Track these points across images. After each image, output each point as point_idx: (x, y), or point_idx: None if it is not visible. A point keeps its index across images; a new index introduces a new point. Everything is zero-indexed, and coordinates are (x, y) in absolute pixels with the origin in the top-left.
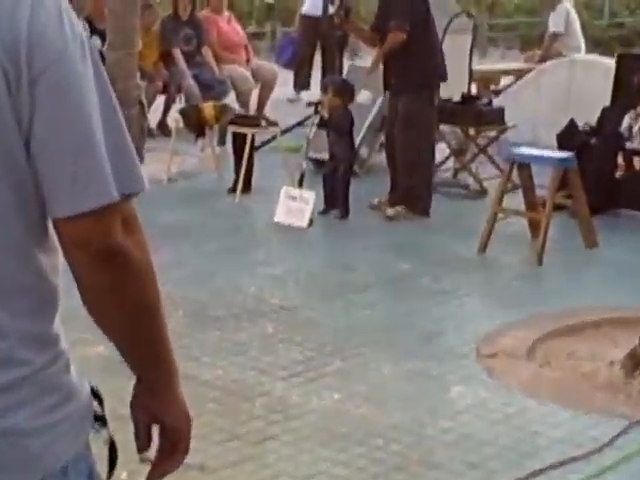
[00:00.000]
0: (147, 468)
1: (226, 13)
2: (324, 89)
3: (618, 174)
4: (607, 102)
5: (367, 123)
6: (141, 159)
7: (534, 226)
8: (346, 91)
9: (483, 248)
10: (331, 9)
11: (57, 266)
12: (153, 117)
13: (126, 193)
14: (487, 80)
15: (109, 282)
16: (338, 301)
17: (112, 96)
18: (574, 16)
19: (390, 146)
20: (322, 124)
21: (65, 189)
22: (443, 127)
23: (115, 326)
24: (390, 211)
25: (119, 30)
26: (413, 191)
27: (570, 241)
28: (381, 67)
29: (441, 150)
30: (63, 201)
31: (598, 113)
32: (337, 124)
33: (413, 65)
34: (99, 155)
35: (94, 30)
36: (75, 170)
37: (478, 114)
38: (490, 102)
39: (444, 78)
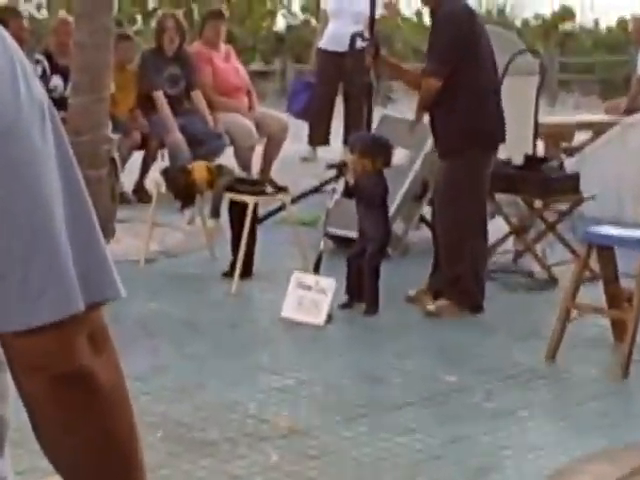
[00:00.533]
0: None
1: (223, 47)
2: (352, 147)
3: None
4: None
5: (403, 190)
6: (111, 233)
7: (618, 327)
8: (379, 151)
9: (552, 355)
10: (359, 43)
11: (4, 392)
12: (128, 179)
13: (94, 302)
14: (558, 136)
15: (71, 414)
16: (364, 424)
17: (78, 177)
18: None
19: (436, 221)
20: (347, 192)
21: (14, 295)
22: (501, 198)
23: (75, 468)
24: (431, 306)
25: (87, 68)
26: (459, 282)
27: None
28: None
29: (498, 227)
30: (12, 311)
31: None
32: (366, 193)
33: (456, 120)
34: (59, 252)
35: (55, 67)
36: (27, 271)
37: (546, 181)
38: (561, 165)
39: (501, 138)
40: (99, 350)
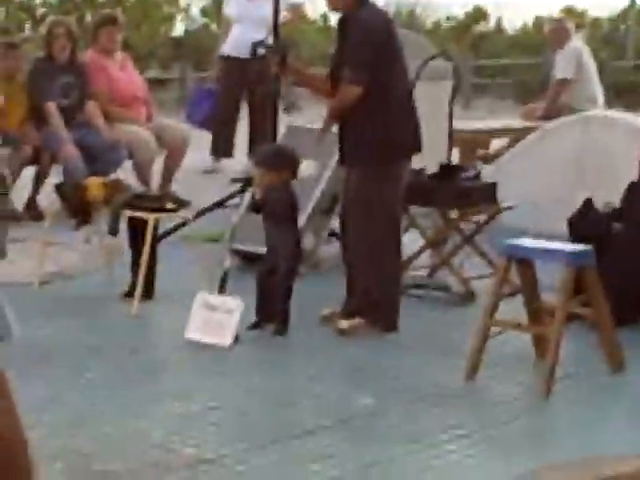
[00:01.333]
0: None
1: (119, 55)
2: (257, 161)
3: None
4: (636, 174)
5: (312, 203)
6: (2, 254)
7: (540, 343)
8: (286, 164)
9: (472, 374)
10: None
11: None
12: (19, 196)
13: None
14: (473, 143)
15: None
16: (275, 451)
17: None
18: (588, 57)
19: (345, 236)
20: (253, 207)
21: None
22: (415, 209)
23: None
24: (345, 323)
25: None
26: (372, 297)
27: (588, 362)
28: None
29: (413, 240)
30: None
31: (623, 190)
32: (274, 207)
33: (371, 128)
34: None
35: None
36: None
37: (461, 191)
38: (478, 175)
39: (416, 147)
40: None
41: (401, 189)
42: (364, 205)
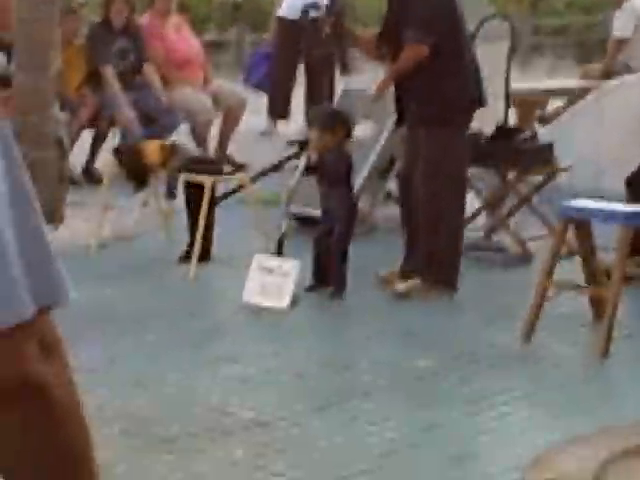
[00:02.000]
0: None
1: (175, 18)
2: (311, 122)
3: None
4: None
5: (369, 165)
6: (61, 218)
7: (597, 305)
8: (340, 125)
9: (529, 335)
10: (312, 13)
11: None
12: (78, 160)
13: (43, 306)
14: (531, 104)
15: (17, 426)
16: (333, 413)
17: (25, 183)
18: None
19: (405, 197)
20: (309, 169)
21: None
22: (471, 170)
23: (22, 473)
24: (401, 286)
25: (31, 44)
26: (435, 257)
27: None
28: (390, 90)
29: (470, 201)
30: None
31: None
32: (329, 169)
33: (438, 87)
34: (6, 257)
35: None
36: None
37: (519, 152)
38: (535, 135)
39: (481, 103)
40: (51, 358)
41: (466, 149)
42: (432, 164)
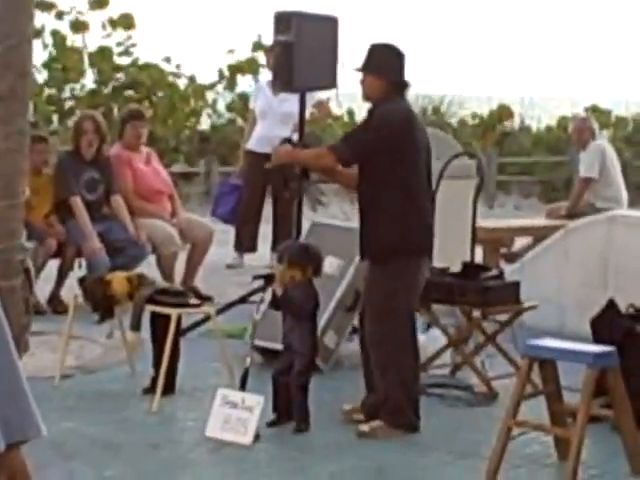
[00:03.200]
0: None
1: (144, 150)
2: (280, 257)
3: None
4: None
5: (335, 300)
6: (25, 347)
7: (562, 445)
8: (309, 260)
9: (492, 475)
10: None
11: None
12: (43, 289)
13: (14, 442)
14: (497, 242)
15: None
16: None
17: (1, 319)
18: (612, 156)
19: (363, 335)
20: (275, 303)
21: None
22: (438, 308)
23: None
24: (364, 426)
25: (0, 173)
26: (391, 401)
27: (611, 464)
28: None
29: (435, 339)
30: None
31: None
32: (295, 305)
33: (383, 227)
34: None
35: None
36: None
37: (484, 291)
38: (501, 274)
39: (426, 249)
40: None
41: (417, 289)
42: (376, 305)
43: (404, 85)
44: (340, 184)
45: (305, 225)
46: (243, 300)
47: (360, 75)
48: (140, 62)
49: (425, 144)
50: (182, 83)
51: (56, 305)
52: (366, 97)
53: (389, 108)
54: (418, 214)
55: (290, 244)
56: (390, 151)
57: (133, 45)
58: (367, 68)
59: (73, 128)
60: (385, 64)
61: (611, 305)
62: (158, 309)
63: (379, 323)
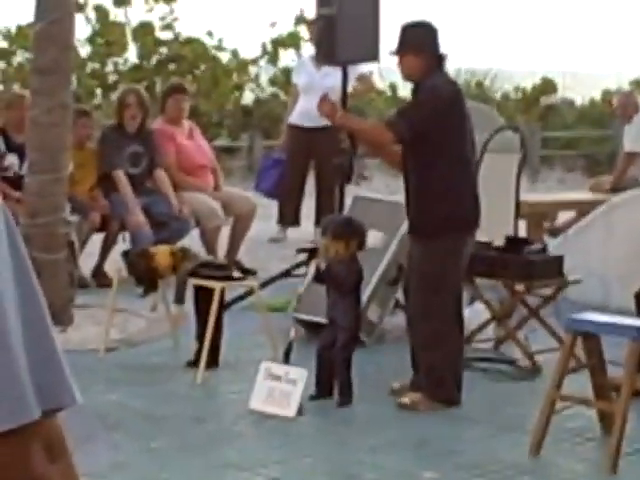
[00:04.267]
0: None
1: (187, 123)
2: (324, 230)
3: None
4: None
5: (378, 274)
6: (69, 320)
7: (606, 419)
8: (353, 234)
9: (537, 449)
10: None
11: None
12: (87, 263)
13: (50, 409)
14: (540, 216)
15: None
16: None
17: (35, 285)
18: None
19: (409, 307)
20: (318, 277)
21: None
22: (481, 282)
23: None
24: (405, 398)
25: (43, 147)
26: (434, 374)
27: None
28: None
29: (478, 313)
30: None
31: None
32: (338, 279)
33: (434, 201)
34: (14, 362)
35: (10, 145)
36: None
37: (528, 265)
38: (544, 248)
39: (475, 223)
40: (55, 458)
41: (463, 264)
42: (425, 279)
43: (442, 59)
44: (384, 160)
45: (348, 199)
46: (286, 274)
47: (397, 58)
48: (182, 36)
49: (469, 118)
50: (225, 57)
51: (100, 278)
52: (407, 77)
53: (437, 83)
54: (469, 188)
55: (334, 218)
56: (444, 125)
57: (175, 19)
58: (404, 48)
59: (116, 102)
60: (421, 41)
61: None
62: (202, 282)
63: (429, 297)
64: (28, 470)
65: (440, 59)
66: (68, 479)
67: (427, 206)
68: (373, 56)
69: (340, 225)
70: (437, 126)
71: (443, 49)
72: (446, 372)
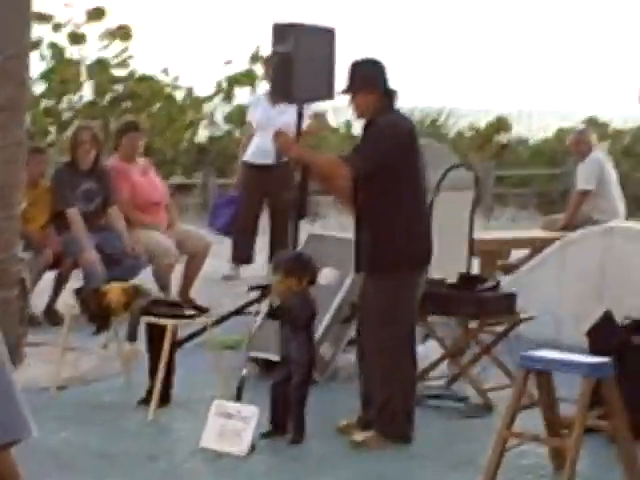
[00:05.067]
0: None
1: (141, 161)
2: (276, 267)
3: None
4: None
5: (331, 312)
6: (20, 358)
7: (558, 456)
8: (305, 271)
9: None
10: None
11: None
12: (39, 301)
13: (5, 442)
14: (493, 254)
15: None
16: None
17: None
18: (610, 168)
19: (362, 344)
20: (272, 314)
21: None
22: (434, 319)
23: None
24: (358, 436)
25: None
26: (388, 409)
27: (607, 476)
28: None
29: (431, 350)
30: None
31: None
32: (291, 315)
33: (386, 236)
34: None
35: None
36: None
37: (481, 302)
38: (497, 285)
39: (427, 259)
40: None
41: (416, 299)
42: (378, 313)
43: (393, 95)
44: (335, 195)
45: (302, 236)
46: (239, 311)
47: (348, 96)
48: (138, 74)
49: (422, 156)
50: (180, 95)
51: (52, 316)
52: (359, 115)
53: (393, 118)
54: (422, 225)
55: (284, 254)
56: (402, 161)
57: (130, 57)
58: (354, 86)
59: (70, 139)
60: (371, 77)
61: (607, 316)
62: (154, 320)
63: (381, 331)
64: None
65: (391, 96)
66: None
67: (378, 243)
68: (328, 94)
69: (291, 261)
70: (395, 162)
71: (395, 86)
72: (398, 407)
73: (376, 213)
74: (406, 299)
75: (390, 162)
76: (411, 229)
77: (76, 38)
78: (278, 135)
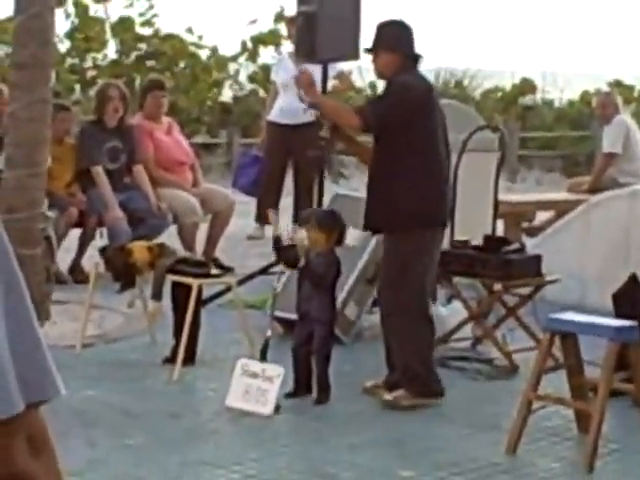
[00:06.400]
0: None
1: (165, 120)
2: (305, 220)
3: None
4: None
5: (356, 272)
6: (46, 315)
7: (582, 419)
8: (336, 226)
9: (513, 448)
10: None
11: None
12: (64, 258)
13: (34, 401)
14: (518, 216)
15: None
16: None
17: (18, 276)
18: (636, 131)
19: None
20: (277, 245)
21: None
22: (459, 281)
23: None
24: (387, 395)
25: (22, 142)
26: (410, 371)
27: (631, 438)
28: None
29: (456, 312)
30: None
31: None
32: (316, 272)
33: (395, 195)
34: None
35: None
36: None
37: (505, 264)
38: (522, 247)
39: (440, 220)
40: (38, 453)
41: (432, 260)
42: (388, 275)
43: (417, 58)
44: (357, 156)
45: (327, 197)
46: (264, 271)
47: (371, 56)
48: (162, 33)
49: (443, 116)
50: (204, 54)
51: (77, 274)
52: (380, 74)
53: (408, 78)
54: (436, 185)
55: (317, 208)
56: (411, 120)
57: (155, 15)
58: (379, 45)
59: (97, 95)
60: (396, 39)
61: (633, 280)
62: (179, 279)
63: (392, 293)
64: (10, 464)
65: (414, 58)
66: (51, 474)
67: (390, 200)
68: (353, 54)
69: (324, 215)
70: (403, 120)
71: (421, 49)
72: (418, 368)
73: (386, 171)
74: (415, 262)
75: (398, 120)
76: (422, 189)
77: None
78: (301, 74)
